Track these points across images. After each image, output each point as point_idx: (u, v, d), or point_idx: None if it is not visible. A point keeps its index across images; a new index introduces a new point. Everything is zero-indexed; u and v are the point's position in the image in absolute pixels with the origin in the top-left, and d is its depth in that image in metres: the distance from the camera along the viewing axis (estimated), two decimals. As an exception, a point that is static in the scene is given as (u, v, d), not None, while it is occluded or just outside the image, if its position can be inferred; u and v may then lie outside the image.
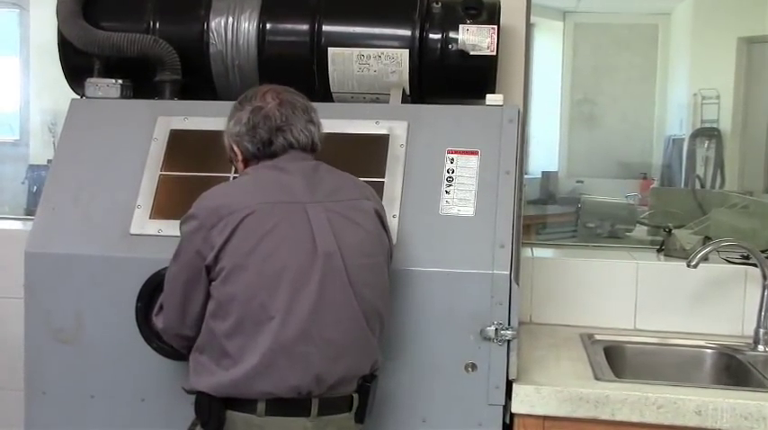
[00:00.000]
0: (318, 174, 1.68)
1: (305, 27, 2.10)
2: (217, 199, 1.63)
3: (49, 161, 3.17)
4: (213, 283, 1.59)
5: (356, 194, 1.70)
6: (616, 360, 2.13)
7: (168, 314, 1.66)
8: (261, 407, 1.56)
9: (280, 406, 1.57)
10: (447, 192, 1.89)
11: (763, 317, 2.22)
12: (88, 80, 2.10)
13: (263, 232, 1.57)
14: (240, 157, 1.71)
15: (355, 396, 1.65)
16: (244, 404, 1.57)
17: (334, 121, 1.95)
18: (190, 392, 1.63)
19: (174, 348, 1.82)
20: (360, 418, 1.67)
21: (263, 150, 1.67)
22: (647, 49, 6.56)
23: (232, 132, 1.70)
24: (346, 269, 1.59)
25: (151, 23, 2.14)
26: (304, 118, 1.69)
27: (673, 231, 2.54)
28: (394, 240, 1.82)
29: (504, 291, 1.80)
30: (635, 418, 1.79)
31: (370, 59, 2.07)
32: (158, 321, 1.70)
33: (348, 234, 1.62)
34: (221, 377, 1.57)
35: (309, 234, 1.59)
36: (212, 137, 1.99)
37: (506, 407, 1.83)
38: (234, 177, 1.88)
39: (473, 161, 1.92)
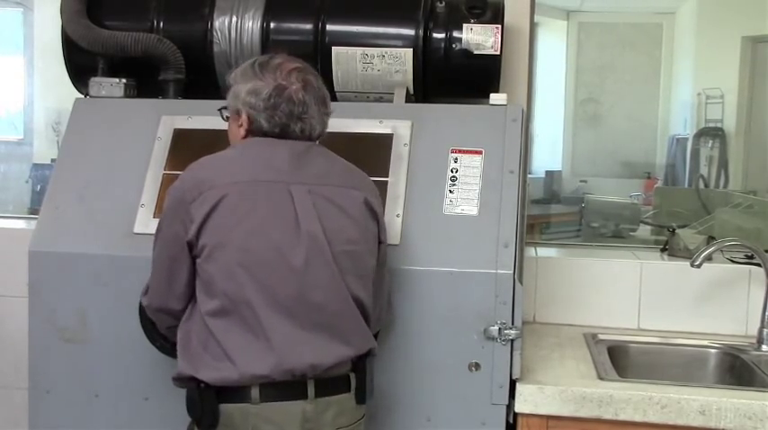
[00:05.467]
0: (308, 156, 1.64)
1: (309, 26, 2.10)
2: (201, 171, 1.61)
3: (53, 160, 3.17)
4: (197, 261, 1.56)
5: (344, 182, 1.67)
6: (620, 359, 2.13)
7: (154, 288, 1.65)
8: (255, 393, 1.52)
9: (274, 390, 1.53)
10: (451, 191, 1.89)
11: (767, 316, 2.21)
12: (92, 79, 2.10)
13: (245, 210, 1.54)
14: (246, 126, 1.66)
15: (352, 375, 1.62)
16: (236, 393, 1.53)
17: (338, 120, 1.94)
18: (178, 380, 1.59)
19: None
20: (361, 399, 1.63)
21: (277, 132, 1.63)
22: (651, 48, 6.55)
23: (246, 100, 1.64)
24: (331, 251, 1.57)
25: (155, 23, 2.14)
26: (322, 108, 1.67)
27: (676, 231, 2.53)
28: (397, 239, 1.82)
29: (507, 290, 1.79)
30: (638, 418, 1.79)
31: (374, 59, 2.07)
32: (144, 299, 1.70)
33: (332, 218, 1.60)
34: (209, 362, 1.53)
35: (293, 213, 1.56)
36: (216, 136, 1.99)
37: (510, 406, 1.83)
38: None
39: (477, 160, 1.92)
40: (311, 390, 1.55)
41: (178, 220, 1.58)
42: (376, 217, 1.69)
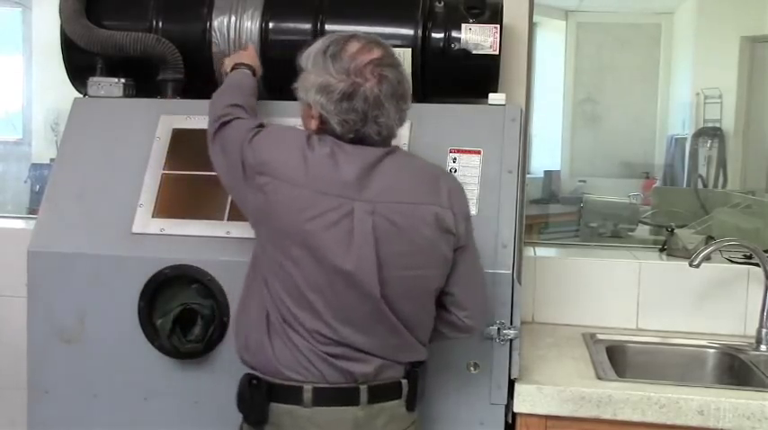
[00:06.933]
0: (380, 168, 1.53)
1: (307, 26, 2.10)
2: (271, 151, 1.56)
3: (51, 160, 3.17)
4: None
5: (413, 197, 1.54)
6: (618, 359, 2.13)
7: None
8: (307, 396, 1.49)
9: (327, 394, 1.50)
10: (449, 191, 1.88)
11: (765, 316, 2.21)
12: (91, 79, 2.10)
13: (308, 217, 1.49)
14: (317, 124, 1.56)
15: (404, 381, 1.59)
16: (289, 394, 1.50)
17: (337, 121, 1.95)
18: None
19: (178, 348, 1.83)
20: (411, 406, 1.61)
21: (351, 138, 1.53)
22: (649, 48, 6.55)
23: (316, 99, 1.53)
24: (381, 276, 1.50)
25: (154, 22, 2.14)
26: (400, 104, 1.55)
27: (675, 231, 2.53)
28: None
29: (506, 290, 1.79)
30: (637, 418, 1.79)
31: (373, 59, 2.07)
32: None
33: (392, 243, 1.50)
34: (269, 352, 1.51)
35: (349, 235, 1.48)
36: (215, 136, 2.00)
37: (508, 406, 1.83)
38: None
39: (475, 160, 1.92)
40: (364, 396, 1.52)
41: (241, 145, 1.61)
42: (449, 231, 1.57)
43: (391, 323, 1.54)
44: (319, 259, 1.49)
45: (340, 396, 1.51)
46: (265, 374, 1.54)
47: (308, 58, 1.57)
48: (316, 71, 1.54)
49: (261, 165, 1.55)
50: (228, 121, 1.70)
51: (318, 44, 1.58)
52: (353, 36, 1.56)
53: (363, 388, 1.52)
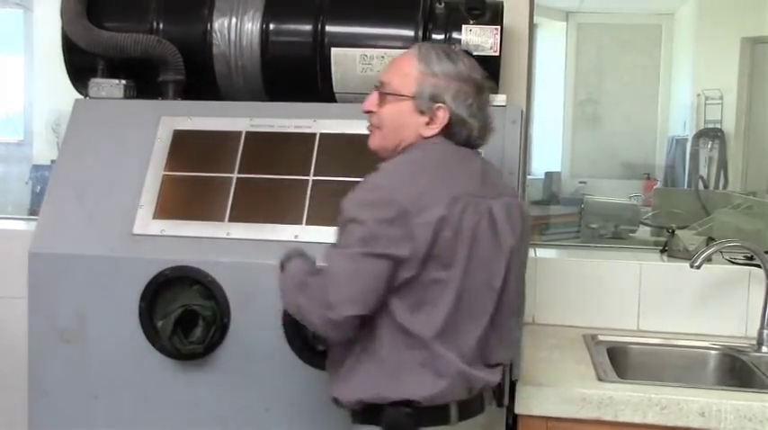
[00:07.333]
0: (486, 165, 1.56)
1: (308, 28, 2.10)
2: (413, 186, 1.42)
3: (52, 161, 3.17)
4: (412, 278, 1.40)
5: (510, 191, 1.60)
6: (619, 361, 2.13)
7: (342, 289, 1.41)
8: (454, 412, 1.46)
9: (466, 407, 1.48)
10: (450, 192, 1.88)
11: (767, 317, 2.21)
12: (92, 80, 2.10)
13: (463, 237, 1.43)
14: (437, 130, 1.49)
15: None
16: (437, 414, 1.44)
17: (338, 122, 1.95)
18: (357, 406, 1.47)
19: (179, 349, 1.83)
20: (500, 403, 1.64)
21: (468, 142, 1.51)
22: (650, 49, 6.57)
23: (451, 105, 1.48)
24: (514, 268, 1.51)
25: (155, 24, 2.14)
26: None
27: (676, 232, 2.53)
28: None
29: (507, 291, 1.79)
30: (638, 419, 1.79)
31: (374, 60, 2.07)
32: (328, 295, 1.40)
33: (516, 232, 1.51)
34: (423, 379, 1.42)
35: (495, 232, 1.47)
36: (216, 137, 2.00)
37: (509, 407, 1.83)
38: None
39: (476, 161, 1.91)
40: (486, 402, 1.54)
41: (394, 239, 1.39)
42: (527, 221, 1.60)
43: None
44: None
45: (473, 407, 1.51)
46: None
47: (432, 59, 1.51)
48: (445, 74, 1.50)
49: None
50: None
51: (436, 48, 1.55)
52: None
53: (486, 394, 1.56)
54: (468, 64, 1.53)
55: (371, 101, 1.57)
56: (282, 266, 1.55)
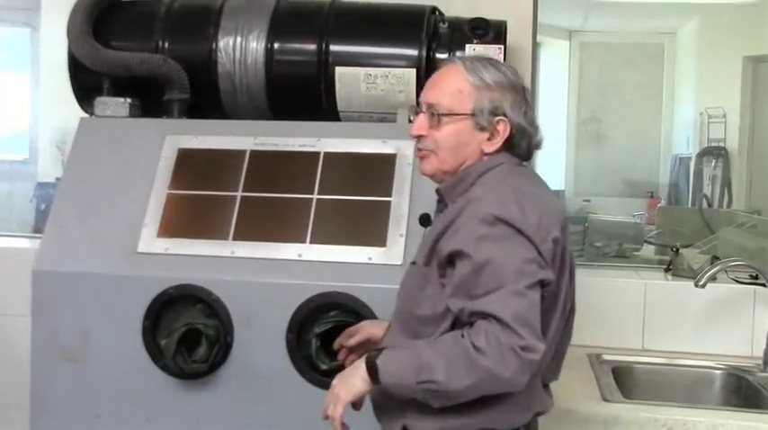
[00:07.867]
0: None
1: (312, 47, 2.11)
2: (535, 211, 1.35)
3: (57, 179, 3.18)
4: None
5: None
6: (624, 380, 2.11)
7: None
8: None
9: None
10: (454, 211, 1.88)
11: (772, 337, 2.20)
12: (97, 99, 2.11)
13: (565, 258, 1.40)
14: (502, 141, 1.42)
15: None
16: None
17: (341, 140, 1.96)
18: None
19: (182, 368, 1.82)
20: None
21: (524, 154, 1.47)
22: (653, 67, 6.58)
23: (510, 114, 1.41)
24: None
25: (160, 43, 2.15)
26: None
27: (680, 250, 2.52)
28: (400, 259, 1.81)
29: (511, 310, 1.78)
30: (644, 440, 1.78)
31: (378, 79, 2.08)
32: (514, 339, 1.27)
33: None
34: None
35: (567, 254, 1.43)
36: (220, 155, 2.01)
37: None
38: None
39: (480, 180, 1.91)
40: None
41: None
42: None
43: None
44: None
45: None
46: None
47: (482, 71, 1.45)
48: (499, 85, 1.44)
49: None
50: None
51: (482, 59, 1.49)
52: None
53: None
54: (511, 70, 1.47)
55: (420, 124, 1.44)
56: (375, 369, 1.34)
